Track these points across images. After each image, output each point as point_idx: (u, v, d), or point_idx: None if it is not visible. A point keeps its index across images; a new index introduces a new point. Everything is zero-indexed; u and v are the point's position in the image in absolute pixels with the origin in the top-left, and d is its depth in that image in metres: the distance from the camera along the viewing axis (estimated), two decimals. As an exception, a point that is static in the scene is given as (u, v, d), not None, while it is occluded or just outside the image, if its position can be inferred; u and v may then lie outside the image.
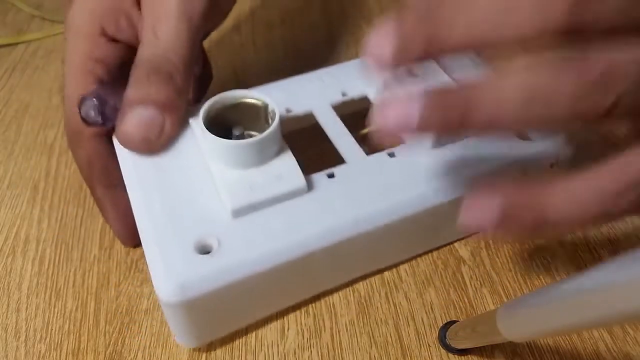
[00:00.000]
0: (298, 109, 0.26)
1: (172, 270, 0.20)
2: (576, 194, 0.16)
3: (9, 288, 0.25)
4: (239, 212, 0.21)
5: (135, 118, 0.23)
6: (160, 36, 0.24)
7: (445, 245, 0.26)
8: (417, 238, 0.24)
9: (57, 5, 0.49)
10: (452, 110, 0.16)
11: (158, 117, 0.23)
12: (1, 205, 0.30)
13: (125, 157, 0.24)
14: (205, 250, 0.20)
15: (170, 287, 0.19)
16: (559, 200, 0.16)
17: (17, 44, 0.44)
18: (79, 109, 0.24)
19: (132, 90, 0.23)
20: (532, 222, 0.16)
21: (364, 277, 0.25)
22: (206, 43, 0.33)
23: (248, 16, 0.43)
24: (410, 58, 0.17)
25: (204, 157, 0.23)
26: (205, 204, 0.22)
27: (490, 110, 0.16)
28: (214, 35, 0.34)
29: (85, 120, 0.24)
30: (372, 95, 0.27)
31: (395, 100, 0.16)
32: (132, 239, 0.26)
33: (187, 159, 0.23)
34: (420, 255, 0.25)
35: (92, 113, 0.24)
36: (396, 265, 0.24)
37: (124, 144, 0.23)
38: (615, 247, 0.20)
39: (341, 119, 0.25)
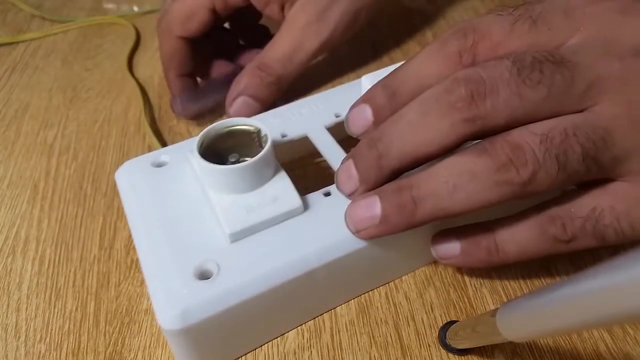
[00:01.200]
0: (293, 133, 0.26)
1: (173, 298, 0.20)
2: (514, 230, 0.20)
3: (9, 288, 0.26)
4: (237, 236, 0.21)
5: (241, 103, 0.33)
6: (295, 61, 0.33)
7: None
8: (416, 252, 0.24)
9: (57, 5, 0.49)
10: (404, 208, 0.20)
11: (256, 106, 0.33)
12: (1, 205, 0.30)
13: (125, 188, 0.24)
14: (205, 276, 0.20)
15: (172, 315, 0.19)
16: (502, 232, 0.20)
17: (17, 43, 0.44)
18: (172, 103, 0.34)
19: (247, 80, 0.32)
20: (486, 253, 0.21)
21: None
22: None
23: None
24: (370, 182, 0.21)
25: (201, 185, 0.23)
26: (204, 230, 0.22)
27: (431, 201, 0.19)
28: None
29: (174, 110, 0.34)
30: None
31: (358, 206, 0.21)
32: (187, 115, 0.35)
33: (186, 188, 0.24)
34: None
35: (180, 109, 0.34)
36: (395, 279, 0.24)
37: (228, 113, 0.33)
38: (615, 247, 0.20)
39: (335, 139, 0.26)
